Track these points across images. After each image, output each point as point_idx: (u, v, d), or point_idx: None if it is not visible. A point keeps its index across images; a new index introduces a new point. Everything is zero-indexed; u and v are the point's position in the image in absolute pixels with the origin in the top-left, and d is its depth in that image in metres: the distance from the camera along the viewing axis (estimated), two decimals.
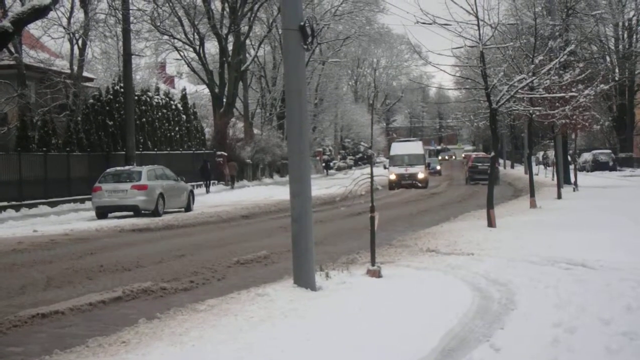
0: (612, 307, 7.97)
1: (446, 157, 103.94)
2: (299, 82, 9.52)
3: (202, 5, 46.31)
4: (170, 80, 58.88)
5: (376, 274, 10.04)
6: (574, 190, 30.03)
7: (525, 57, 20.71)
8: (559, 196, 26.49)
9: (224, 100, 47.28)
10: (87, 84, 36.84)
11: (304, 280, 9.21)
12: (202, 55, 47.80)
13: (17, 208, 26.05)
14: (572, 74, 20.97)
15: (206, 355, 6.38)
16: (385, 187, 39.14)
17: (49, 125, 30.72)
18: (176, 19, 45.66)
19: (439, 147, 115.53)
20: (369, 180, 10.40)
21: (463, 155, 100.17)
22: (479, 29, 17.14)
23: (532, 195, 23.08)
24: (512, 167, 69.33)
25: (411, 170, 42.05)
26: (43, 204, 27.43)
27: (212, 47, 56.31)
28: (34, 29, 33.17)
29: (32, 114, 31.01)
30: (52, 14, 27.84)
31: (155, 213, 24.06)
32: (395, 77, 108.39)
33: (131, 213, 24.23)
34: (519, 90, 17.66)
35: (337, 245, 15.09)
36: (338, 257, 12.70)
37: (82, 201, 28.79)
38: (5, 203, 25.85)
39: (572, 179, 32.67)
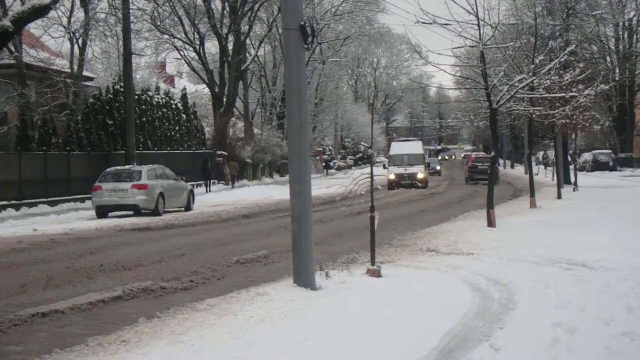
0: (612, 307, 7.97)
1: (446, 157, 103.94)
2: (299, 82, 9.52)
3: (202, 4, 46.29)
4: (170, 80, 58.85)
5: (376, 273, 10.05)
6: (574, 190, 30.04)
7: (525, 57, 20.71)
8: (559, 196, 26.50)
9: (224, 99, 47.28)
10: (87, 83, 36.82)
11: (304, 279, 9.22)
12: (202, 54, 47.79)
13: (17, 207, 26.04)
14: (573, 74, 20.98)
15: (206, 354, 6.38)
16: (385, 187, 39.14)
17: (49, 125, 30.72)
18: (176, 19, 45.65)
19: (439, 147, 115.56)
20: (369, 180, 10.40)
21: (462, 155, 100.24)
22: (479, 29, 17.16)
23: (532, 195, 23.09)
24: (512, 167, 69.33)
25: (411, 170, 41.88)
26: (43, 203, 27.42)
27: (212, 46, 56.39)
28: (34, 28, 33.17)
29: (32, 113, 31.00)
30: (52, 13, 27.87)
31: (155, 212, 24.06)
32: (396, 76, 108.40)
33: (131, 212, 24.23)
34: (519, 90, 17.67)
35: (337, 244, 15.09)
36: (338, 256, 12.70)
37: (82, 200, 28.78)
38: (5, 202, 25.85)
39: (572, 179, 32.69)
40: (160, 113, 39.12)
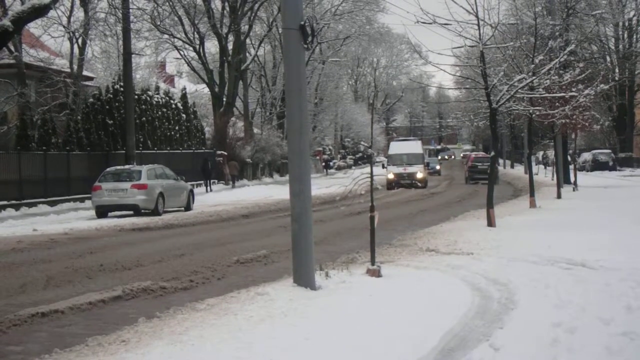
0: (612, 307, 7.97)
1: (446, 157, 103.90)
2: (299, 82, 9.52)
3: (202, 4, 46.30)
4: (170, 80, 58.85)
5: (376, 273, 10.05)
6: (573, 190, 30.05)
7: (525, 57, 20.71)
8: (559, 196, 26.51)
9: (224, 99, 47.28)
10: (87, 83, 36.82)
11: (304, 279, 9.22)
12: (202, 54, 47.80)
13: (16, 207, 26.04)
14: (572, 73, 20.98)
15: (206, 354, 6.38)
16: (384, 187, 39.11)
17: (48, 124, 30.72)
18: (176, 18, 45.66)
19: (438, 147, 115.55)
20: (369, 179, 10.40)
21: (462, 155, 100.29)
22: (479, 29, 17.16)
23: (532, 195, 23.10)
24: (512, 166, 69.33)
25: (410, 169, 41.58)
26: (43, 203, 27.42)
27: (212, 46, 56.42)
28: (34, 27, 33.16)
29: (32, 113, 30.99)
30: (52, 13, 27.88)
31: (155, 212, 24.06)
32: (395, 76, 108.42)
33: (131, 212, 24.23)
34: (519, 90, 17.67)
35: (336, 244, 15.09)
36: (338, 256, 12.69)
37: (82, 200, 28.78)
38: (5, 202, 25.84)
39: (572, 179, 32.69)
40: (160, 113, 39.13)
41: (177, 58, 53.31)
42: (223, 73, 47.37)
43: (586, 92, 20.68)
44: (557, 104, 21.13)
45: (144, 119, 36.72)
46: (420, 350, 6.56)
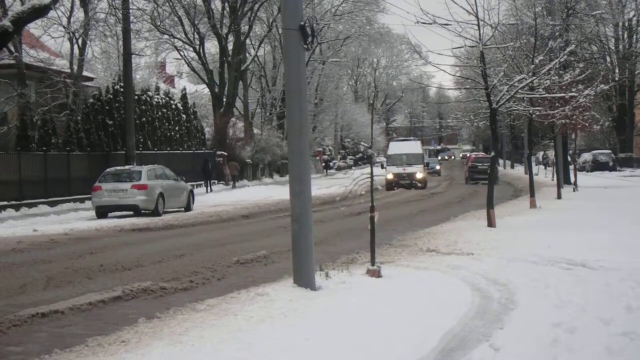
0: (612, 307, 7.97)
1: (445, 157, 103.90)
2: (299, 82, 9.52)
3: (202, 4, 46.31)
4: (170, 80, 58.86)
5: (376, 273, 10.04)
6: (573, 191, 30.05)
7: (525, 57, 20.71)
8: (559, 196, 26.51)
9: (224, 99, 47.29)
10: (87, 83, 36.82)
11: (304, 280, 9.21)
12: (202, 54, 47.80)
13: (17, 207, 26.05)
14: (572, 74, 20.99)
15: (206, 354, 6.37)
16: (384, 188, 39.04)
17: (48, 125, 30.72)
18: (176, 19, 45.66)
19: (438, 147, 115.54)
20: (369, 180, 10.40)
21: (461, 155, 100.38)
22: (479, 29, 17.16)
23: (532, 195, 23.09)
24: (512, 167, 69.34)
25: (409, 169, 41.19)
26: (43, 203, 27.42)
27: (212, 46, 56.41)
28: (33, 28, 33.17)
29: (32, 113, 31.00)
30: (52, 13, 27.87)
31: (155, 213, 24.05)
32: (395, 76, 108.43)
33: (131, 213, 24.23)
34: (519, 90, 17.67)
35: (337, 245, 15.09)
36: (338, 256, 12.69)
37: (82, 201, 28.78)
38: (5, 202, 25.85)
39: (572, 179, 32.69)
40: (160, 113, 39.14)
41: (177, 58, 53.38)
42: (223, 73, 47.38)
43: (586, 92, 20.68)
44: (557, 104, 21.13)
45: (144, 119, 36.73)
46: (420, 351, 6.56)
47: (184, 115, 42.39)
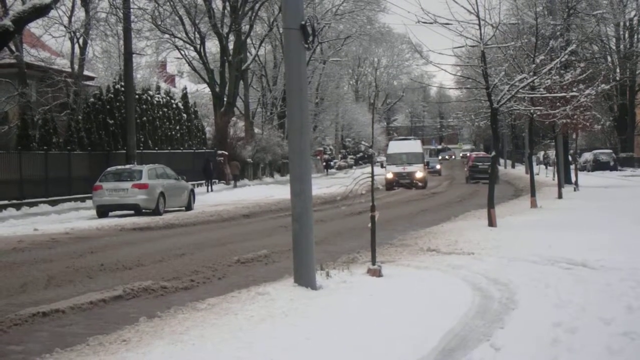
0: (612, 307, 7.97)
1: (446, 157, 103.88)
2: (299, 81, 9.52)
3: (203, 4, 46.30)
4: (171, 79, 58.87)
5: (377, 273, 10.05)
6: (574, 190, 30.03)
7: (526, 57, 20.71)
8: (560, 196, 26.49)
9: (225, 99, 47.29)
10: (88, 82, 36.83)
11: (305, 279, 9.22)
12: (203, 54, 47.80)
13: (17, 207, 26.06)
14: (573, 73, 20.96)
15: (207, 354, 6.38)
16: (384, 187, 38.99)
17: (49, 124, 30.73)
18: (177, 18, 45.68)
19: (439, 147, 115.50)
20: (370, 179, 10.40)
21: (461, 155, 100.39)
22: (480, 29, 17.15)
23: (533, 195, 23.08)
24: (513, 166, 69.31)
25: (409, 169, 40.80)
26: (44, 202, 27.44)
27: (212, 46, 56.42)
28: (34, 27, 33.18)
29: (33, 112, 31.00)
30: (52, 13, 27.85)
31: (156, 212, 24.06)
32: (396, 76, 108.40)
33: (132, 212, 24.24)
34: (520, 90, 17.66)
35: (337, 244, 15.09)
36: (338, 256, 12.69)
37: (83, 200, 28.80)
38: (6, 202, 25.87)
39: (573, 179, 32.68)
40: (161, 112, 39.15)
41: (178, 58, 53.43)
42: (224, 73, 47.39)
43: (587, 92, 20.66)
44: (558, 103, 21.12)
45: (144, 118, 36.74)
46: (420, 350, 6.57)
47: (184, 115, 42.40)
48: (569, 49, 21.64)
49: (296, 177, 9.47)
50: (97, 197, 24.17)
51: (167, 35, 46.70)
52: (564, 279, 9.79)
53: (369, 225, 10.40)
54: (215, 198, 33.25)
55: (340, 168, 76.62)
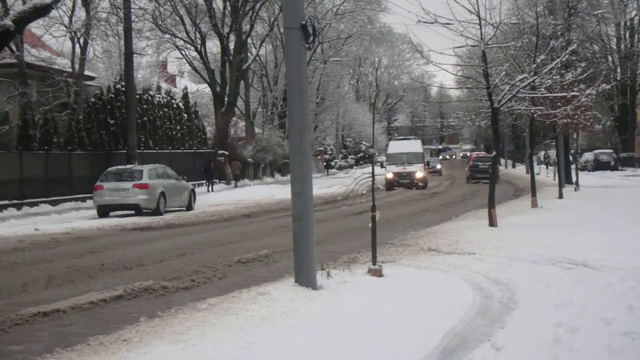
0: (613, 307, 7.97)
1: (447, 157, 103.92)
2: (300, 81, 9.52)
3: (204, 4, 46.30)
4: (171, 79, 58.89)
5: (377, 273, 10.04)
6: (575, 190, 30.02)
7: (527, 57, 20.70)
8: (560, 196, 26.49)
9: (226, 99, 47.30)
10: (88, 82, 36.85)
11: (305, 279, 9.22)
12: (203, 54, 47.80)
13: (18, 207, 26.07)
14: (574, 73, 20.95)
15: (207, 354, 6.38)
16: (384, 187, 38.95)
17: (50, 124, 30.74)
18: (178, 18, 45.68)
19: (440, 147, 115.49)
20: (370, 179, 10.40)
21: (461, 155, 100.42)
22: (480, 29, 17.15)
23: (534, 194, 23.08)
24: (514, 166, 69.31)
25: (409, 169, 40.54)
26: (44, 202, 27.45)
27: (213, 46, 56.39)
28: (35, 27, 33.22)
29: (34, 112, 31.02)
30: (53, 13, 27.86)
31: (156, 212, 24.07)
32: (397, 76, 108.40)
33: (132, 212, 24.24)
34: (521, 90, 17.66)
35: (338, 244, 15.09)
36: (339, 256, 12.69)
37: (84, 200, 28.81)
38: (6, 202, 25.88)
39: (574, 179, 32.67)
40: (161, 112, 39.15)
41: (179, 58, 53.47)
42: (224, 73, 47.39)
43: (588, 91, 20.65)
44: (558, 103, 21.11)
45: (145, 118, 36.75)
46: (421, 350, 6.56)
47: (185, 115, 42.41)
48: (570, 48, 21.62)
49: (297, 177, 9.47)
50: (98, 197, 24.18)
51: (167, 35, 46.71)
52: (564, 279, 9.79)
53: (370, 225, 10.39)
54: (216, 198, 33.26)
55: (340, 168, 76.62)
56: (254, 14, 48.62)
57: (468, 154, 72.07)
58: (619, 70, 53.31)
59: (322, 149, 73.71)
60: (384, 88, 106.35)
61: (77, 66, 33.37)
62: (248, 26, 49.25)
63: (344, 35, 59.95)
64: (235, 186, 42.17)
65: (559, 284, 9.38)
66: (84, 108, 33.11)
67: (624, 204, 23.16)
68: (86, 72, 35.58)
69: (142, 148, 34.32)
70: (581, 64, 23.46)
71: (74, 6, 32.51)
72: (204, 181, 39.40)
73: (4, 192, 25.92)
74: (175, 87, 54.87)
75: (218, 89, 47.59)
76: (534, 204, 22.51)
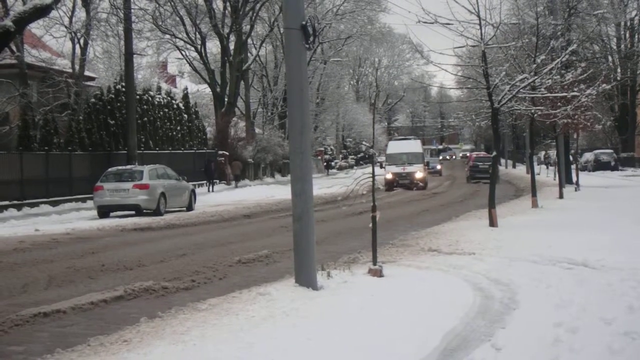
0: (613, 307, 7.97)
1: (447, 157, 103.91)
2: (300, 82, 9.52)
3: (204, 4, 46.30)
4: (171, 80, 58.89)
5: (378, 273, 10.04)
6: (575, 190, 30.02)
7: (527, 57, 20.70)
8: (561, 196, 26.49)
9: (226, 99, 47.30)
10: (88, 83, 36.85)
11: (306, 279, 9.21)
12: (203, 54, 47.80)
13: (18, 207, 26.07)
14: (574, 73, 20.95)
15: (207, 354, 6.38)
16: (384, 188, 38.89)
17: (50, 125, 30.75)
18: (178, 18, 45.67)
19: (440, 147, 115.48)
20: (371, 179, 10.40)
21: (461, 155, 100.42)
22: (480, 29, 17.16)
23: (534, 195, 23.08)
24: (514, 166, 69.31)
25: (409, 169, 40.22)
26: (45, 203, 27.45)
27: (213, 46, 56.39)
28: (35, 28, 33.20)
29: (34, 113, 31.02)
30: (53, 13, 27.87)
31: (156, 212, 24.07)
32: (397, 76, 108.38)
33: (133, 212, 24.24)
34: (521, 90, 17.66)
35: (338, 244, 15.09)
36: (339, 256, 12.69)
37: (84, 200, 28.80)
38: (7, 202, 25.88)
39: (574, 179, 32.67)
40: (161, 113, 39.16)
41: (179, 58, 53.43)
42: (224, 73, 47.39)
43: (588, 92, 20.65)
44: (559, 103, 21.11)
45: (145, 119, 36.75)
46: (422, 351, 6.56)
47: (185, 115, 42.42)
48: (570, 48, 21.63)
49: (297, 177, 9.47)
50: (98, 198, 24.18)
51: (167, 36, 46.71)
52: (565, 279, 9.79)
53: (370, 225, 10.39)
54: (216, 198, 33.26)
55: (341, 168, 76.61)
56: (254, 14, 48.62)
57: (468, 154, 72.07)
58: (619, 70, 53.29)
59: (322, 149, 73.70)
60: (384, 88, 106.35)
61: (77, 67, 33.37)
62: (248, 26, 49.26)
63: (344, 36, 59.97)
64: (236, 186, 42.19)
65: (560, 284, 9.38)
66: (84, 109, 33.11)
67: (625, 204, 23.15)
68: (86, 73, 35.59)
69: (142, 148, 34.32)
70: (581, 64, 23.47)
71: (74, 7, 32.54)
72: (205, 181, 39.41)
73: (4, 192, 25.92)
74: (176, 87, 54.87)
75: (218, 90, 47.59)
76: (535, 204, 22.51)
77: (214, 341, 6.74)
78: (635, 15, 53.15)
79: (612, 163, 54.30)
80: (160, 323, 7.75)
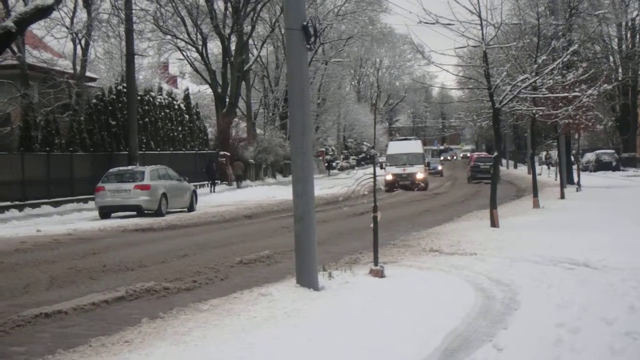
0: (615, 307, 7.97)
1: (448, 158, 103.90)
2: (301, 82, 9.52)
3: (205, 5, 46.31)
4: (173, 80, 58.91)
5: (379, 273, 10.04)
6: (577, 191, 30.00)
7: (528, 57, 20.70)
8: (562, 196, 26.47)
9: (227, 100, 47.31)
10: (90, 84, 36.87)
11: (307, 280, 9.22)
12: (204, 55, 47.81)
13: (20, 208, 26.10)
14: (575, 73, 20.95)
15: (209, 354, 6.38)
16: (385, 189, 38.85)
17: (52, 125, 30.77)
18: (179, 19, 45.69)
19: (441, 147, 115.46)
20: (372, 180, 10.40)
21: (462, 156, 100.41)
22: (482, 29, 17.15)
23: (535, 195, 23.06)
24: (515, 167, 69.26)
25: (409, 169, 39.96)
26: (46, 203, 27.47)
27: (214, 47, 56.40)
28: (36, 29, 33.26)
29: (35, 113, 31.05)
30: (55, 14, 27.91)
31: (158, 213, 24.08)
32: (398, 77, 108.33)
33: (134, 213, 24.25)
34: (522, 90, 17.65)
35: (339, 245, 15.09)
36: (341, 257, 12.69)
37: (85, 201, 28.82)
38: (8, 203, 25.90)
39: (575, 179, 32.66)
40: (163, 113, 39.19)
41: (180, 59, 53.43)
42: (226, 74, 47.41)
43: (589, 92, 20.64)
44: (560, 104, 21.10)
45: (146, 119, 36.79)
46: (423, 351, 6.56)
47: (186, 116, 42.44)
48: (571, 49, 21.62)
49: (298, 177, 9.47)
50: (100, 198, 24.19)
51: (169, 37, 46.73)
52: (566, 279, 9.78)
53: (371, 225, 10.39)
54: (218, 199, 33.27)
55: (342, 169, 76.59)
56: (255, 15, 48.63)
57: (469, 155, 72.03)
58: (620, 70, 53.22)
59: (323, 149, 73.71)
60: (385, 89, 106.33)
61: (78, 67, 33.39)
62: (249, 27, 49.25)
63: (345, 36, 59.96)
64: (238, 187, 42.21)
65: (561, 284, 9.37)
66: (85, 109, 33.14)
67: (626, 204, 23.14)
68: (88, 74, 35.61)
69: (143, 149, 34.35)
70: (582, 65, 23.46)
71: (75, 7, 32.56)
72: (206, 182, 39.43)
73: (5, 193, 25.95)
74: (177, 88, 54.90)
75: (219, 90, 47.60)
76: (536, 205, 22.50)
77: (216, 342, 6.74)
78: (637, 16, 53.07)
79: (614, 163, 54.26)
80: (162, 324, 7.75)
